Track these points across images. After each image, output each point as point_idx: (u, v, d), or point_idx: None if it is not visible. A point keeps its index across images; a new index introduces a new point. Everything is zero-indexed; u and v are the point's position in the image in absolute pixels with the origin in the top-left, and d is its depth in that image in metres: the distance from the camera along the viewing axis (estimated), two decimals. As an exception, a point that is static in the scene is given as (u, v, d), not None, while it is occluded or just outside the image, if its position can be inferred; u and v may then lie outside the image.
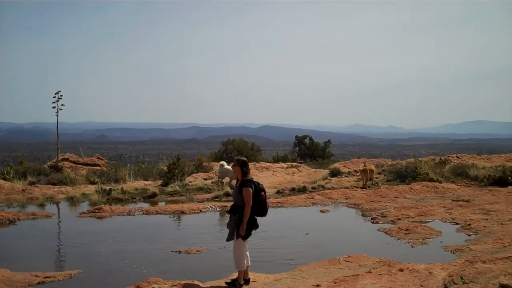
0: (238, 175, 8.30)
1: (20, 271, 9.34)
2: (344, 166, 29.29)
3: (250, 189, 8.05)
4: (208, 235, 13.02)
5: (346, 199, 19.28)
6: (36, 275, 9.18)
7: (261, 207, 8.19)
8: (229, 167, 21.10)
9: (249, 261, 8.33)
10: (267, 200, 8.37)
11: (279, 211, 17.29)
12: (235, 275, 8.33)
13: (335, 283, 7.36)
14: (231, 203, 8.54)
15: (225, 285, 8.17)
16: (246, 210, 7.98)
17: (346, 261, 9.69)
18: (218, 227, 14.27)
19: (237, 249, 8.13)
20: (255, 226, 8.24)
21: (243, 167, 8.27)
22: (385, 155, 61.58)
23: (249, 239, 8.20)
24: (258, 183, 8.29)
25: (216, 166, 27.70)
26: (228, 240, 8.30)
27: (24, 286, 8.35)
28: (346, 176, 26.08)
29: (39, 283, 8.84)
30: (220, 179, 22.81)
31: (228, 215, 8.47)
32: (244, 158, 8.53)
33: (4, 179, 23.36)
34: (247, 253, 8.28)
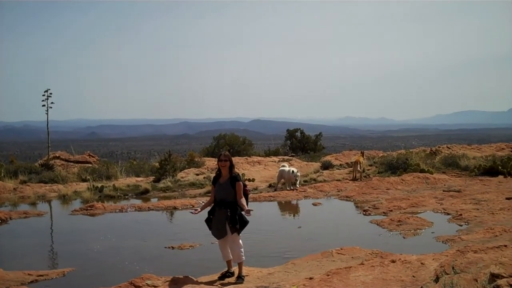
0: (226, 170, 8.33)
1: (13, 270, 9.31)
2: (335, 159, 29.31)
3: (242, 183, 8.24)
4: (201, 230, 12.90)
5: (338, 191, 19.33)
6: (29, 274, 9.16)
7: (246, 201, 8.33)
8: (287, 168, 20.50)
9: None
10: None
11: (271, 205, 17.32)
12: (234, 269, 8.42)
13: (328, 275, 7.38)
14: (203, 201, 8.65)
15: (217, 279, 8.26)
16: (242, 202, 8.15)
17: (338, 253, 9.73)
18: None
19: (236, 242, 8.21)
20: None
21: (231, 161, 8.39)
22: (376, 147, 61.65)
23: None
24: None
25: (208, 161, 27.72)
26: (219, 237, 8.33)
27: (17, 285, 8.32)
28: (338, 169, 26.15)
29: (32, 281, 8.82)
30: (279, 183, 20.58)
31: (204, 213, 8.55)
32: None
33: (-5, 178, 23.27)
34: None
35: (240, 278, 8.13)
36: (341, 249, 9.96)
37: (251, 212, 8.01)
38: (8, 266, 9.58)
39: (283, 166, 21.03)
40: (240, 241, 8.29)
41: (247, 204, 8.28)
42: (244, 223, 8.20)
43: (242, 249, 8.26)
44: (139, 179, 24.13)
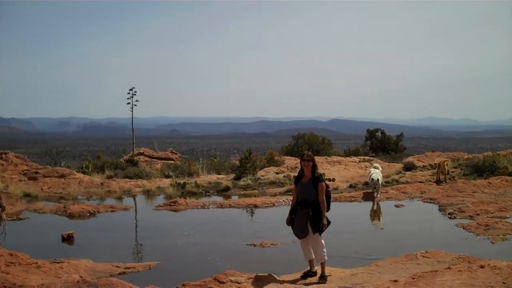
0: (309, 169, 8.30)
1: (102, 262, 9.69)
2: (418, 160, 28.57)
3: (324, 184, 8.20)
4: (282, 229, 12.95)
5: (421, 193, 18.85)
6: (117, 266, 9.50)
7: (328, 201, 8.27)
8: (372, 171, 19.23)
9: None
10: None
11: (352, 206, 17.13)
12: (317, 269, 8.40)
13: (413, 278, 7.22)
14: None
15: (300, 278, 8.26)
16: (323, 204, 8.09)
17: (423, 256, 9.47)
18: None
19: (318, 242, 8.20)
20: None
21: (314, 161, 8.34)
22: (460, 149, 59.77)
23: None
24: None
25: (288, 160, 27.69)
26: (301, 237, 8.33)
27: (106, 276, 8.59)
28: (421, 170, 25.46)
29: (120, 273, 9.12)
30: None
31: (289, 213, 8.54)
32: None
33: (84, 173, 24.27)
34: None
35: (323, 278, 8.09)
36: (426, 252, 9.68)
37: (320, 230, 8.08)
38: (97, 258, 9.96)
39: (375, 167, 20.13)
40: (323, 241, 8.25)
41: (329, 205, 8.25)
42: (327, 223, 8.17)
43: (325, 249, 8.22)
44: (220, 176, 24.47)
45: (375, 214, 16.23)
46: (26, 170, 23.12)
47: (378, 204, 17.30)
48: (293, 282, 8.03)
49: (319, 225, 8.06)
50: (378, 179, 18.36)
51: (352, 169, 25.60)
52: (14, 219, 14.23)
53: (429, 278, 7.13)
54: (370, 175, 18.80)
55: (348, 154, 36.99)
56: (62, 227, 12.93)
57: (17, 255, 8.95)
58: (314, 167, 8.30)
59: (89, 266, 9.32)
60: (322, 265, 8.21)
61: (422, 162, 27.98)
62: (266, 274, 8.22)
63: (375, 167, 19.86)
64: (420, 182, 21.45)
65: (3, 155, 24.35)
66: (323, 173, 22.43)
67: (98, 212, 15.73)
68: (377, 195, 18.14)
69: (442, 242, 11.22)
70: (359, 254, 10.51)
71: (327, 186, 8.33)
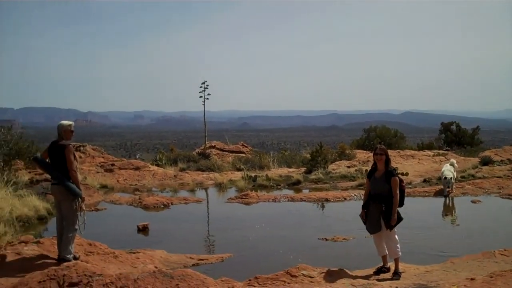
0: (382, 163, 8.18)
1: (175, 253, 9.89)
2: (495, 154, 27.60)
3: (398, 179, 8.05)
4: (354, 223, 12.76)
5: (499, 189, 18.17)
6: (191, 257, 9.66)
7: (402, 197, 8.13)
8: (444, 168, 18.32)
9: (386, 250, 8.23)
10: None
11: (426, 201, 16.74)
12: (390, 265, 8.29)
13: (491, 277, 6.96)
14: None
15: (373, 274, 8.13)
16: (395, 199, 7.96)
17: (502, 254, 9.12)
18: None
19: (391, 238, 8.09)
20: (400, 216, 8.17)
21: (387, 155, 8.23)
22: (542, 142, 57.26)
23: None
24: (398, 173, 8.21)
25: (359, 153, 27.40)
26: (373, 232, 8.22)
27: (180, 267, 8.73)
28: (499, 165, 24.55)
29: (193, 265, 9.26)
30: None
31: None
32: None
33: (157, 165, 24.87)
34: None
35: (396, 274, 7.94)
36: (505, 250, 9.31)
37: (392, 226, 7.98)
38: (171, 249, 10.17)
39: (451, 163, 19.02)
40: (396, 236, 8.12)
41: (403, 200, 8.12)
42: (398, 219, 8.04)
43: (398, 245, 8.08)
44: (290, 170, 24.49)
45: (450, 209, 15.79)
46: (103, 162, 23.92)
47: (452, 200, 16.81)
48: (366, 277, 7.92)
49: (391, 221, 7.95)
50: (451, 177, 17.50)
51: (426, 163, 25.05)
52: (92, 210, 14.73)
53: (509, 277, 6.86)
54: (443, 173, 17.91)
55: (421, 148, 36.24)
56: (137, 218, 13.27)
57: (95, 244, 9.27)
58: (388, 161, 8.17)
59: (164, 257, 9.53)
60: (396, 261, 8.08)
61: (500, 156, 27.02)
62: (338, 268, 8.16)
63: (451, 164, 18.90)
64: (498, 177, 20.67)
65: (81, 148, 25.28)
66: (396, 167, 22.05)
67: (172, 204, 16.05)
68: (450, 191, 17.43)
69: (522, 240, 10.79)
70: (434, 251, 10.24)
71: (401, 181, 8.17)
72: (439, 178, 19.28)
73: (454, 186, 17.78)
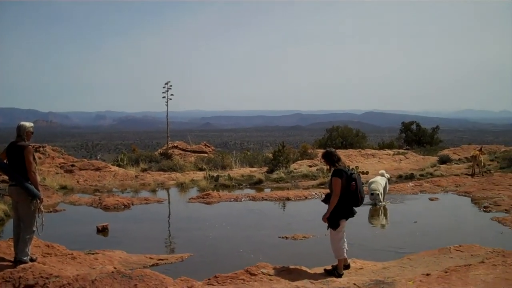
0: (328, 166, 8.35)
1: (135, 253, 9.81)
2: (454, 153, 28.24)
3: (339, 179, 7.94)
4: (314, 222, 12.87)
5: (456, 186, 18.59)
6: (150, 257, 9.60)
7: (353, 197, 8.00)
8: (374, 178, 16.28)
9: (346, 248, 8.23)
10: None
11: (385, 199, 16.97)
12: (349, 262, 8.39)
13: (446, 272, 7.11)
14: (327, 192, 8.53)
15: (324, 272, 8.15)
16: (332, 199, 7.98)
17: (457, 250, 9.33)
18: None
19: (331, 238, 8.16)
20: (351, 214, 8.15)
21: (327, 159, 8.28)
22: (498, 141, 58.70)
23: (346, 227, 8.22)
24: (353, 172, 8.16)
25: (321, 153, 27.59)
26: (327, 229, 8.29)
27: (139, 267, 8.67)
28: (456, 163, 25.14)
29: (153, 265, 9.21)
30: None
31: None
32: (329, 149, 8.48)
33: (119, 165, 24.63)
34: (344, 240, 8.21)
35: (331, 272, 7.99)
36: (460, 246, 9.53)
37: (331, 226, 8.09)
38: (131, 249, 10.08)
39: (381, 174, 16.88)
40: (339, 236, 8.11)
41: (357, 200, 7.99)
42: (331, 221, 8.08)
43: (342, 245, 8.09)
44: (253, 169, 24.55)
45: (409, 207, 15.91)
46: (63, 163, 23.57)
47: (385, 207, 15.52)
48: (325, 275, 8.00)
49: (330, 220, 8.06)
50: (378, 193, 15.45)
51: (386, 162, 25.45)
52: (51, 211, 14.49)
53: (462, 272, 7.03)
54: (369, 186, 15.77)
55: (382, 147, 36.77)
56: (97, 219, 13.10)
57: (53, 246, 9.14)
58: (332, 162, 8.16)
59: (123, 258, 9.44)
60: (338, 262, 8.09)
61: (458, 155, 27.65)
62: (298, 266, 8.22)
63: (381, 174, 16.79)
64: (455, 175, 21.18)
65: (41, 149, 24.86)
66: (356, 166, 22.29)
67: (133, 204, 15.92)
68: (379, 206, 15.30)
69: (476, 236, 11.07)
70: (392, 248, 10.41)
71: (354, 180, 8.00)
72: (400, 176, 19.59)
73: (384, 200, 15.79)
